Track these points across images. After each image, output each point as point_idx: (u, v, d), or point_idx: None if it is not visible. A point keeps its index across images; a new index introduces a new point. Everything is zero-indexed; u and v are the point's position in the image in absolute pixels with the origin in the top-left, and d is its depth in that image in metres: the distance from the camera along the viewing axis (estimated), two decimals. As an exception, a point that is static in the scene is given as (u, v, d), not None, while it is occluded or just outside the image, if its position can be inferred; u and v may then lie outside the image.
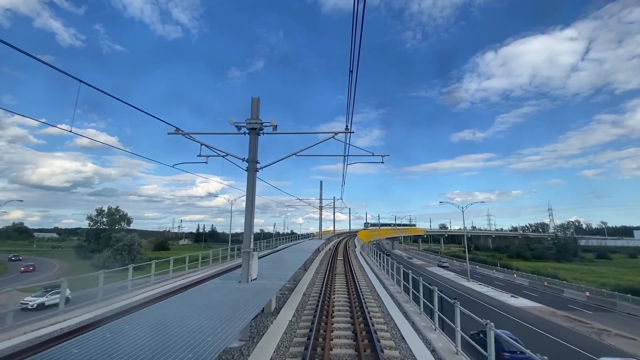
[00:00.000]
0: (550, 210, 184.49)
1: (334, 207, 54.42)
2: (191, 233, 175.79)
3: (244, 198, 10.00)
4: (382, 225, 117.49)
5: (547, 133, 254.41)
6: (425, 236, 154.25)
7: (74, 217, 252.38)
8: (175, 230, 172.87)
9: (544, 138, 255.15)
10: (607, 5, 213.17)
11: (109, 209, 70.19)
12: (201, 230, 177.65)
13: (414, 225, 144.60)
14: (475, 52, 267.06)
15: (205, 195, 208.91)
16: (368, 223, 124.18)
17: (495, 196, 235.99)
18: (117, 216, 66.22)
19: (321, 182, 37.26)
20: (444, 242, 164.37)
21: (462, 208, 46.02)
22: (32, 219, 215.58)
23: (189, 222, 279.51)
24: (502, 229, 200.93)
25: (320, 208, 39.86)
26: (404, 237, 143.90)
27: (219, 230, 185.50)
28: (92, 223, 71.01)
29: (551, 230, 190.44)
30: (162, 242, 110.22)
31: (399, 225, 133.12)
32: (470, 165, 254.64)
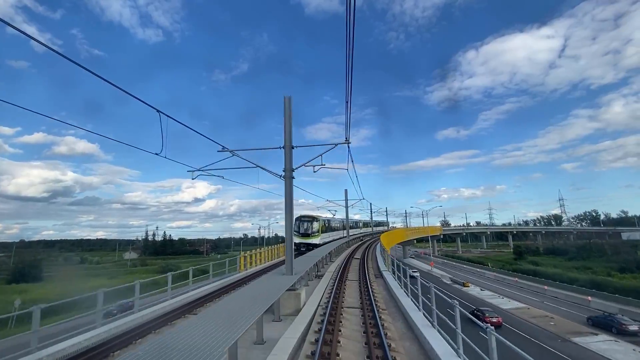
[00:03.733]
0: (562, 201, 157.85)
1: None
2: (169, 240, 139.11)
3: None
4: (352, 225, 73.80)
5: (528, 129, 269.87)
6: (441, 236, 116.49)
7: (55, 229, 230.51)
8: (151, 238, 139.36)
9: (526, 134, 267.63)
10: (580, 3, 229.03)
11: None
12: (167, 238, 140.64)
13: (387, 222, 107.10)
14: (457, 51, 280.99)
15: (192, 201, 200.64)
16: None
17: (480, 192, 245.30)
18: None
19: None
20: (460, 241, 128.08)
21: None
22: (11, 231, 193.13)
23: (176, 229, 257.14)
24: (509, 224, 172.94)
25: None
26: (419, 239, 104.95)
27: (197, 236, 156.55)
28: None
29: (565, 222, 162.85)
30: (31, 263, 65.08)
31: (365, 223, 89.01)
32: (455, 162, 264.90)
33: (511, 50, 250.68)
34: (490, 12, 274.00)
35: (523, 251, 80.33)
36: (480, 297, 40.80)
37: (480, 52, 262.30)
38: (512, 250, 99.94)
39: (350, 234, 41.18)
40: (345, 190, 40.93)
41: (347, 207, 40.76)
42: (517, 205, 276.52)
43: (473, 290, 45.35)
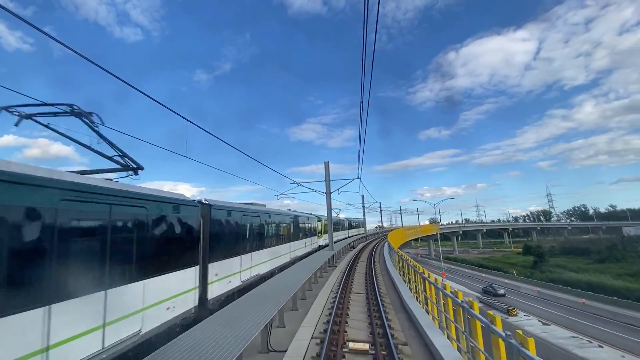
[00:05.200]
0: (550, 196, 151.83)
1: None
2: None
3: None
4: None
5: (506, 128, 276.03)
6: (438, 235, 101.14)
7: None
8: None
9: (504, 133, 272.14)
10: (554, 7, 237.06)
11: None
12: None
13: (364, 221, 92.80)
14: (438, 52, 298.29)
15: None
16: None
17: (462, 190, 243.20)
18: None
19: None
20: (457, 239, 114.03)
21: None
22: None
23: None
24: (499, 220, 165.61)
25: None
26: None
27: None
28: None
29: (554, 218, 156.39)
30: None
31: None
32: (437, 161, 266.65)
33: (489, 52, 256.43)
34: (468, 15, 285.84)
35: (544, 252, 65.55)
36: (555, 341, 24.09)
37: (460, 54, 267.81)
38: (512, 249, 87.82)
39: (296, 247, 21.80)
40: (326, 163, 23.11)
41: (328, 192, 22.83)
42: (497, 203, 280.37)
43: (530, 324, 28.64)
